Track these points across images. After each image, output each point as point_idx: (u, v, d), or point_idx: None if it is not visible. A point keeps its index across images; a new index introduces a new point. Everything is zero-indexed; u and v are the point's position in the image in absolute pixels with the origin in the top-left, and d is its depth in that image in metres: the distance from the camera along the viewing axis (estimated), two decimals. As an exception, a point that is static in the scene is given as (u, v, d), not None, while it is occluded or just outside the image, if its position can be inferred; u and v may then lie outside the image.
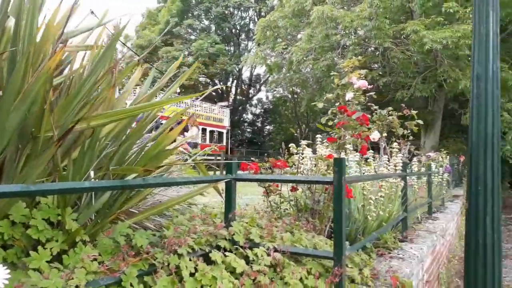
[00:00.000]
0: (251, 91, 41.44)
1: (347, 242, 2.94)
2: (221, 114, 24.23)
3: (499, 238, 2.12)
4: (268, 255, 2.25)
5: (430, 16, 10.44)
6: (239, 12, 35.98)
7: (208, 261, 2.14)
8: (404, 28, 10.56)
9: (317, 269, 2.28)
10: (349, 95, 4.92)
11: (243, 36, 38.01)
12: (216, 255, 2.11)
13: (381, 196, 3.60)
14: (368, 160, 3.55)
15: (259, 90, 41.00)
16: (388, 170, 4.61)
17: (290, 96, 35.14)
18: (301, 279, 2.17)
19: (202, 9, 32.78)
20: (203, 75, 32.55)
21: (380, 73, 13.74)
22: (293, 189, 3.47)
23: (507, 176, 21.07)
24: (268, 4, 26.99)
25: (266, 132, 44.26)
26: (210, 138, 22.61)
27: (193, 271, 1.97)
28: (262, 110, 43.62)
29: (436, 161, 9.81)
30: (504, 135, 11.06)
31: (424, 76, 12.22)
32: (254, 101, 43.09)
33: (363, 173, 3.93)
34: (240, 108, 40.10)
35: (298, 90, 27.37)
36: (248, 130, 43.70)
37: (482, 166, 2.18)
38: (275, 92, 39.73)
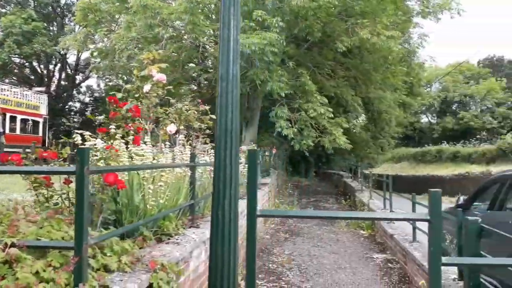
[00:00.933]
0: (78, 77, 37.96)
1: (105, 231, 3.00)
2: (36, 101, 21.50)
3: (235, 218, 2.40)
4: (3, 251, 2.13)
5: (244, 20, 11.36)
6: (64, -10, 32.48)
7: None
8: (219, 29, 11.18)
9: (59, 260, 2.25)
10: (146, 87, 4.98)
11: (70, 16, 34.44)
12: None
13: (160, 185, 3.76)
14: (143, 151, 3.65)
15: (88, 76, 37.87)
16: (182, 160, 4.87)
17: (124, 84, 33.39)
18: (37, 272, 2.12)
19: (16, -22, 28.46)
20: (16, 56, 28.26)
21: (211, 69, 14.34)
22: (67, 182, 3.34)
23: (313, 166, 24.70)
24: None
25: (97, 122, 41.12)
26: (22, 128, 19.84)
27: None
28: (93, 99, 40.44)
29: (245, 154, 10.73)
30: (301, 131, 12.90)
31: (243, 75, 13.21)
32: (83, 88, 39.67)
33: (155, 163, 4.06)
34: (65, 95, 36.38)
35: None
36: (76, 120, 39.97)
37: (223, 156, 2.42)
38: (107, 79, 37.28)
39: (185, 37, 12.76)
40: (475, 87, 42.34)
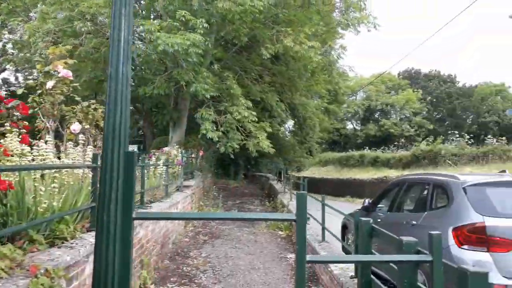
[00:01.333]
0: (-8, 69, 34.80)
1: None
2: None
3: (121, 222, 2.35)
4: None
5: (169, 19, 11.22)
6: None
7: None
8: (142, 24, 11.03)
9: None
10: (50, 83, 4.74)
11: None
12: None
13: (54, 186, 3.60)
14: (43, 150, 3.48)
15: (4, 69, 34.87)
16: (84, 161, 4.69)
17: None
18: None
19: None
20: None
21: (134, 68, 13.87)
22: None
23: (242, 169, 24.99)
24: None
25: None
26: None
27: None
28: (9, 93, 37.31)
29: (169, 155, 10.59)
30: (227, 134, 13.04)
31: (169, 75, 13.01)
32: (-1, 82, 36.41)
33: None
34: (-25, 88, 33.15)
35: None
36: (-11, 115, 36.53)
37: (110, 157, 2.37)
38: (26, 73, 34.66)
39: (104, 30, 12.29)
40: (395, 97, 45.67)
